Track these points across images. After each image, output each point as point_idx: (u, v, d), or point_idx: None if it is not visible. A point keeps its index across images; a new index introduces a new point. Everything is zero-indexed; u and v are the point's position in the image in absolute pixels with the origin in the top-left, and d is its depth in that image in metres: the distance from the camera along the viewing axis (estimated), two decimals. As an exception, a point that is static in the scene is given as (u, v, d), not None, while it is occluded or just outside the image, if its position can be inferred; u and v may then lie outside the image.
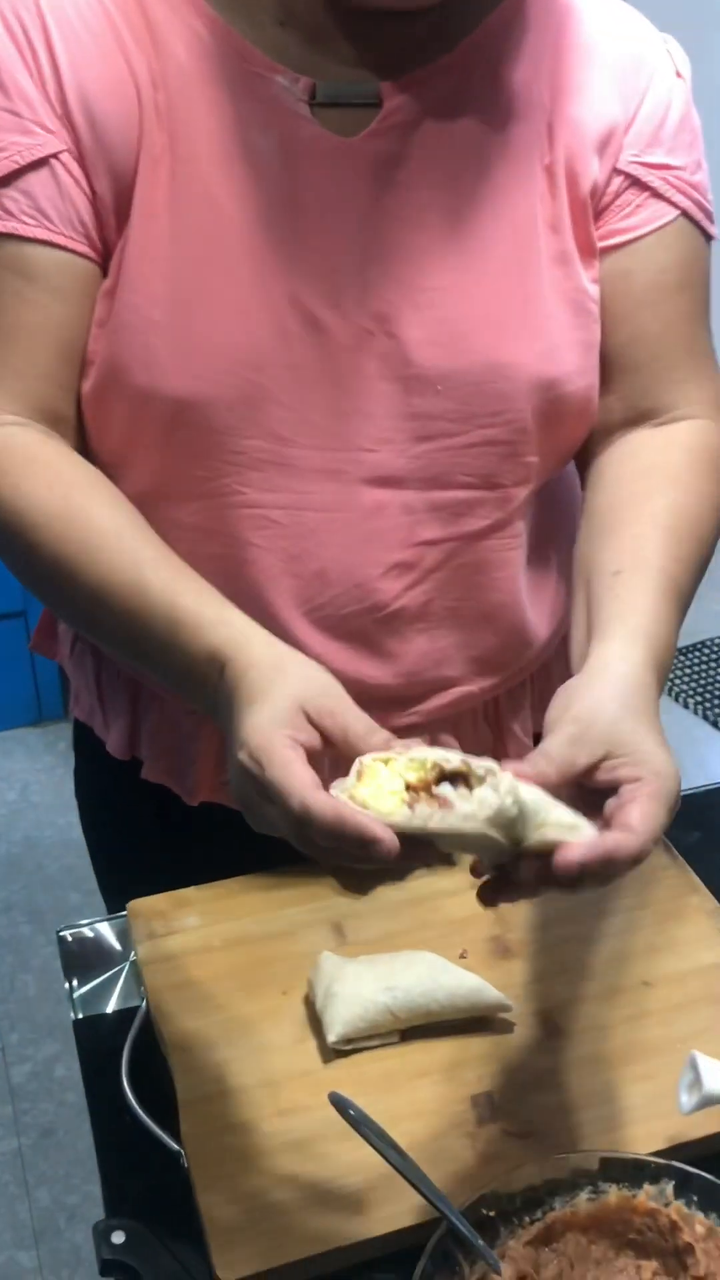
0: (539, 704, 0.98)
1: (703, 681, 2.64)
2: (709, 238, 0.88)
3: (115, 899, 1.11)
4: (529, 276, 0.81)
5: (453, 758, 0.61)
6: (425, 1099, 0.76)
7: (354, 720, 0.65)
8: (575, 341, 0.83)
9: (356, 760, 0.62)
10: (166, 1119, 0.76)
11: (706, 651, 2.73)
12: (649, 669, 0.72)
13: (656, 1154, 0.69)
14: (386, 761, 0.62)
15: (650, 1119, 0.74)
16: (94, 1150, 0.77)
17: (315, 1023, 0.80)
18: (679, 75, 0.86)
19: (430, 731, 0.92)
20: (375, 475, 0.82)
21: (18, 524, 0.76)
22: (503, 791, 0.58)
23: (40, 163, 0.75)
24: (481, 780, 0.60)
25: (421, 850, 0.61)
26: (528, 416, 0.82)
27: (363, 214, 0.79)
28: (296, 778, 0.61)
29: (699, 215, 0.86)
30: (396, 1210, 0.69)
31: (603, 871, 0.61)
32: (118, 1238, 0.68)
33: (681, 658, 2.71)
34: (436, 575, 0.86)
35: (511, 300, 0.81)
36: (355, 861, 0.62)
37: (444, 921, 0.89)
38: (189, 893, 0.91)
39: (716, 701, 2.58)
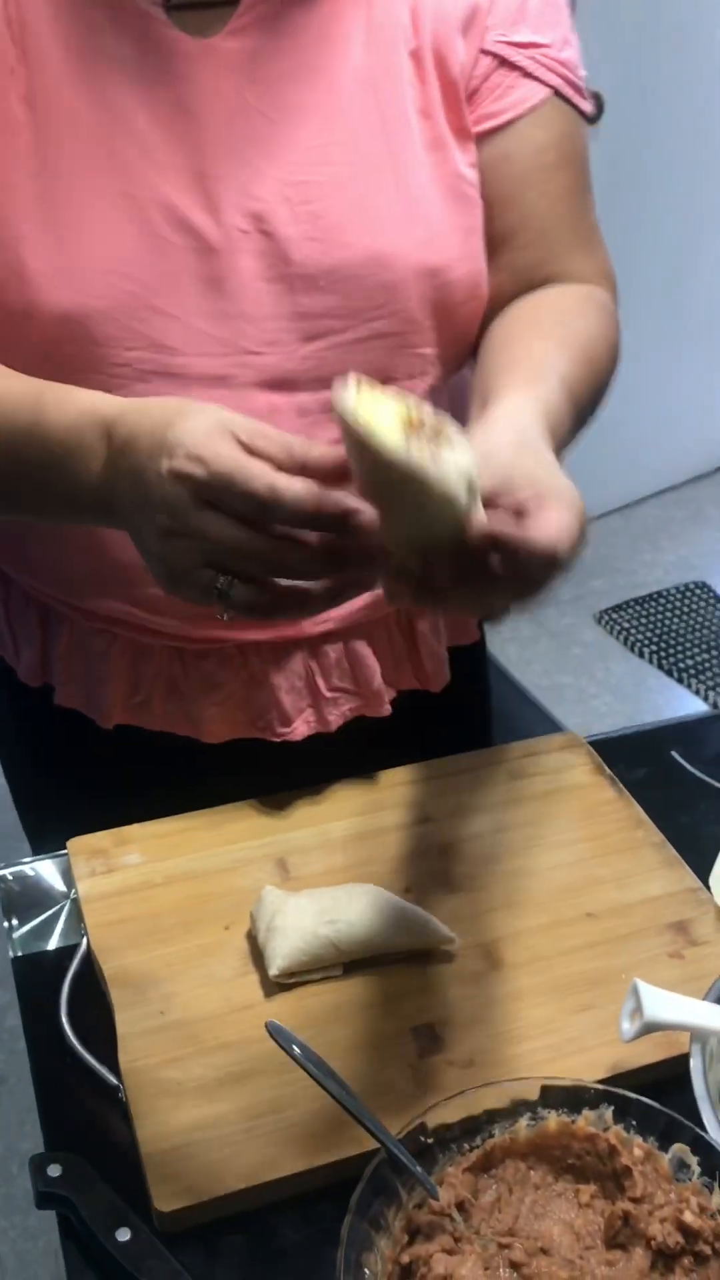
0: (449, 620, 0.99)
1: (657, 631, 2.65)
2: (583, 114, 0.87)
3: (36, 833, 1.10)
4: (402, 165, 0.80)
5: (432, 411, 0.57)
6: (367, 1031, 0.76)
7: (289, 436, 0.59)
8: (455, 227, 0.82)
9: (351, 376, 0.57)
10: (106, 1054, 0.75)
11: (661, 602, 2.74)
12: (542, 422, 0.70)
13: (599, 1082, 0.69)
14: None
15: (592, 1048, 0.74)
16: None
17: (258, 957, 0.80)
18: None
19: (346, 639, 0.92)
20: (266, 378, 0.80)
21: None
22: (459, 442, 0.56)
23: None
24: (451, 444, 0.56)
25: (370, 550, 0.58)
26: (414, 306, 0.81)
27: (228, 113, 0.77)
28: (255, 464, 0.57)
29: (570, 92, 0.85)
30: (336, 1141, 0.68)
31: (517, 555, 0.59)
32: (54, 1170, 0.67)
33: (636, 608, 2.72)
34: None
35: (386, 190, 0.80)
36: (311, 562, 0.59)
37: (389, 857, 0.88)
38: (131, 830, 0.90)
39: (670, 650, 2.59)
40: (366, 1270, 0.58)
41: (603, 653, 2.61)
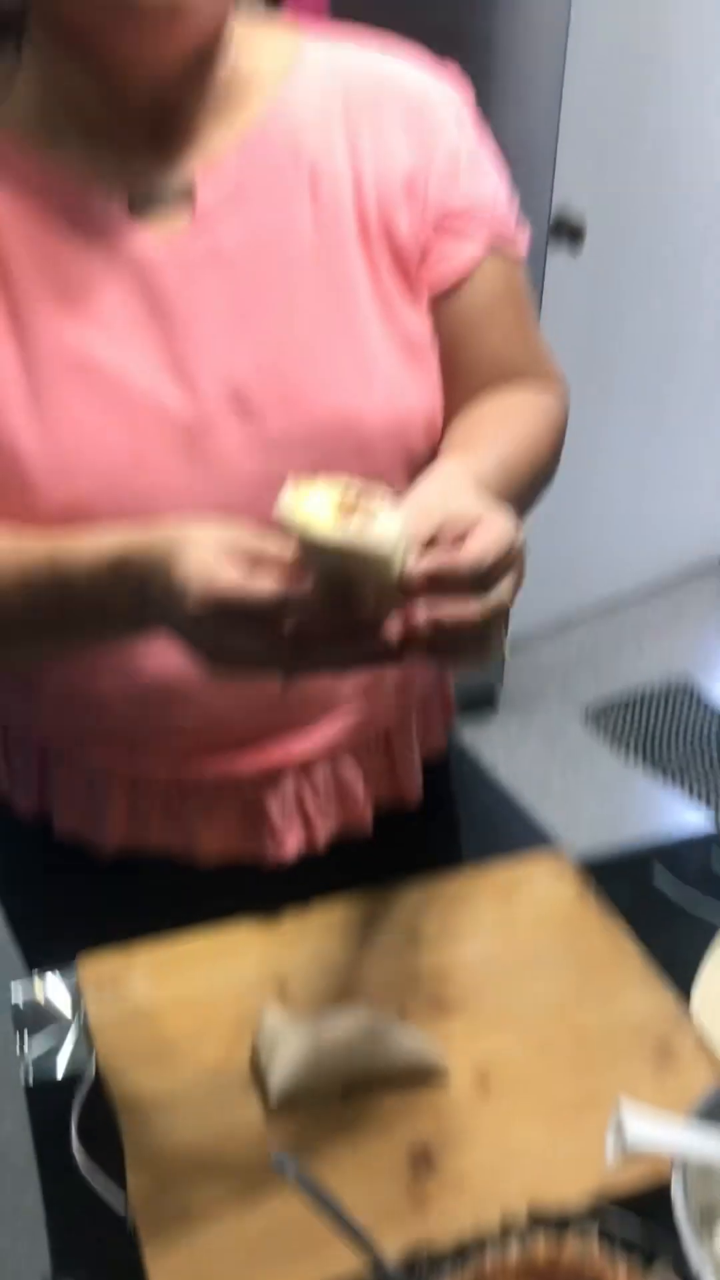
0: (422, 734, 1.06)
1: (643, 731, 2.70)
2: (519, 255, 0.96)
3: (33, 952, 1.13)
4: (358, 330, 0.87)
5: (356, 485, 0.66)
6: (364, 1153, 0.79)
7: (281, 544, 0.68)
8: (411, 380, 0.90)
9: (287, 483, 0.66)
10: (116, 1174, 0.78)
11: (646, 702, 2.80)
12: (470, 474, 0.78)
13: (586, 1204, 0.72)
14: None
15: (580, 1170, 0.78)
16: (39, 1206, 0.79)
17: (259, 1080, 0.83)
18: (459, 121, 0.91)
19: (333, 762, 0.98)
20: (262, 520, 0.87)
21: None
22: (393, 519, 0.65)
23: None
24: (379, 517, 0.65)
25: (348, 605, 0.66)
26: (382, 458, 0.88)
27: (197, 301, 0.84)
28: (257, 583, 0.65)
29: (505, 244, 0.93)
30: (335, 1261, 0.71)
31: (446, 580, 0.66)
32: (65, 1293, 0.70)
33: (622, 708, 2.78)
34: None
35: (346, 355, 0.87)
36: (325, 636, 0.66)
37: (383, 978, 0.93)
38: (137, 951, 0.94)
39: (655, 750, 2.64)
40: None
41: (590, 752, 2.66)
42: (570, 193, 2.48)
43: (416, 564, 0.66)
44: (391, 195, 0.88)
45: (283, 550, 0.67)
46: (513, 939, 0.97)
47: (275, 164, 0.86)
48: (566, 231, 2.53)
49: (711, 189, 2.79)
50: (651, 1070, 0.86)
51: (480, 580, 0.67)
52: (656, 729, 2.71)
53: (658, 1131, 0.73)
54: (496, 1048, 0.87)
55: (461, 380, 0.94)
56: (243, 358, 0.84)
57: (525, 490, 0.90)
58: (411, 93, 0.90)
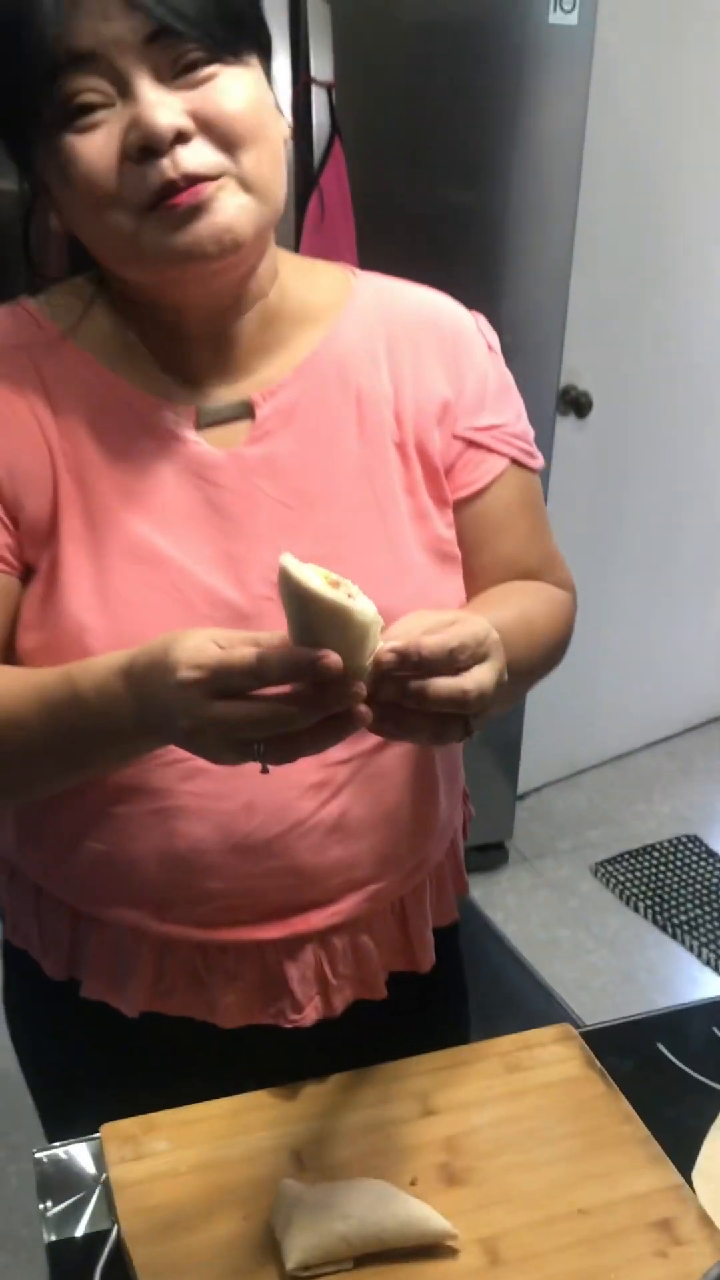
0: (435, 904, 1.11)
1: (651, 885, 2.72)
2: (535, 470, 1.06)
3: (55, 1114, 1.17)
4: (394, 536, 0.97)
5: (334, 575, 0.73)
6: (375, 1326, 0.82)
7: (257, 633, 0.73)
8: (438, 579, 0.99)
9: (286, 555, 0.72)
10: (133, 1344, 0.81)
11: (654, 855, 2.83)
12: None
13: None
14: None
15: (583, 1348, 0.80)
16: None
17: (275, 1247, 0.86)
18: (490, 349, 1.03)
19: (351, 932, 1.03)
20: None
21: None
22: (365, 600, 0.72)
23: None
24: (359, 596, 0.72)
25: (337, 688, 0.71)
26: None
27: (252, 506, 0.93)
28: (238, 651, 0.71)
29: (524, 458, 1.04)
30: None
31: (413, 660, 0.73)
32: None
33: (631, 860, 2.81)
34: (348, 788, 0.98)
35: (382, 556, 0.96)
36: (300, 705, 0.70)
37: (395, 1149, 0.96)
38: (158, 1116, 0.98)
39: (663, 904, 2.66)
40: None
41: (599, 905, 2.68)
42: (578, 367, 2.62)
43: (387, 644, 0.73)
44: (426, 419, 0.98)
45: (254, 639, 0.73)
46: (520, 1112, 1.00)
47: (325, 387, 0.96)
48: (574, 402, 2.66)
49: (713, 366, 2.94)
50: (653, 1248, 0.89)
51: (448, 663, 0.74)
52: (665, 883, 2.73)
53: (659, 1312, 0.76)
54: (503, 1221, 0.90)
55: (479, 579, 1.03)
56: (299, 559, 0.92)
57: (528, 649, 0.97)
58: (446, 329, 1.01)
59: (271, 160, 0.86)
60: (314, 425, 0.95)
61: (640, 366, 2.79)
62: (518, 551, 1.05)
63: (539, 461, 1.07)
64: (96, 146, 0.82)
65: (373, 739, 0.97)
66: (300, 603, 0.71)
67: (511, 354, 2.36)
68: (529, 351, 2.40)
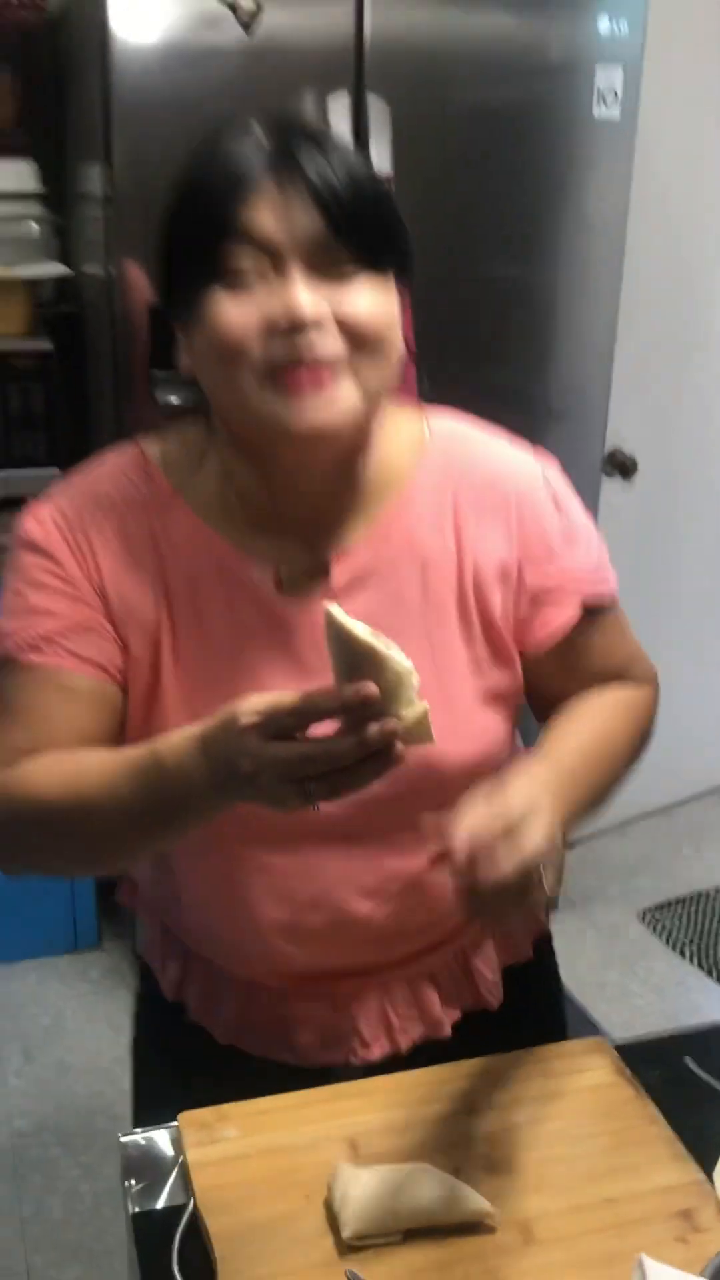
0: (502, 947, 1.24)
1: (697, 931, 2.79)
2: (611, 599, 1.15)
3: (147, 1101, 1.31)
4: (448, 684, 1.07)
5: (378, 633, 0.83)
6: (422, 1290, 0.92)
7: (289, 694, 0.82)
8: (488, 728, 1.10)
9: (330, 603, 0.82)
10: (208, 1300, 0.92)
11: (702, 903, 2.90)
12: (553, 772, 1.00)
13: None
14: None
15: (607, 1314, 0.90)
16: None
17: (333, 1222, 0.97)
18: (555, 499, 1.11)
19: (412, 982, 1.18)
20: (350, 833, 1.08)
21: (43, 794, 0.98)
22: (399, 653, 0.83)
23: (83, 625, 1.03)
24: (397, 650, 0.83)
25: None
26: (451, 789, 0.97)
27: (324, 656, 0.95)
28: (287, 694, 0.81)
29: (593, 598, 1.11)
30: None
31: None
32: None
33: (678, 907, 2.88)
34: (400, 897, 1.12)
35: (439, 707, 1.00)
36: (344, 740, 0.80)
37: (441, 1141, 1.07)
38: (229, 1107, 1.09)
39: (709, 950, 2.73)
40: None
41: (645, 951, 2.76)
42: (624, 431, 2.75)
43: (459, 830, 0.86)
44: (487, 579, 1.07)
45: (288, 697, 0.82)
46: (555, 1112, 1.11)
47: (395, 554, 1.06)
48: (620, 465, 2.78)
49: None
50: (674, 1234, 0.98)
51: (507, 831, 0.86)
52: (711, 929, 2.80)
53: None
54: (538, 1206, 1.00)
55: (567, 692, 1.14)
56: None
57: (609, 765, 1.10)
58: (510, 492, 1.09)
59: (387, 364, 0.98)
60: (382, 586, 1.06)
61: (683, 431, 2.92)
62: (600, 668, 1.15)
63: (610, 587, 1.14)
64: (242, 311, 0.93)
65: (423, 855, 1.10)
66: (341, 645, 0.82)
67: (560, 419, 2.58)
68: (576, 417, 2.54)
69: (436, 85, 2.19)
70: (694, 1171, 1.04)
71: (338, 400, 0.94)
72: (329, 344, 0.93)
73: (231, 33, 2.03)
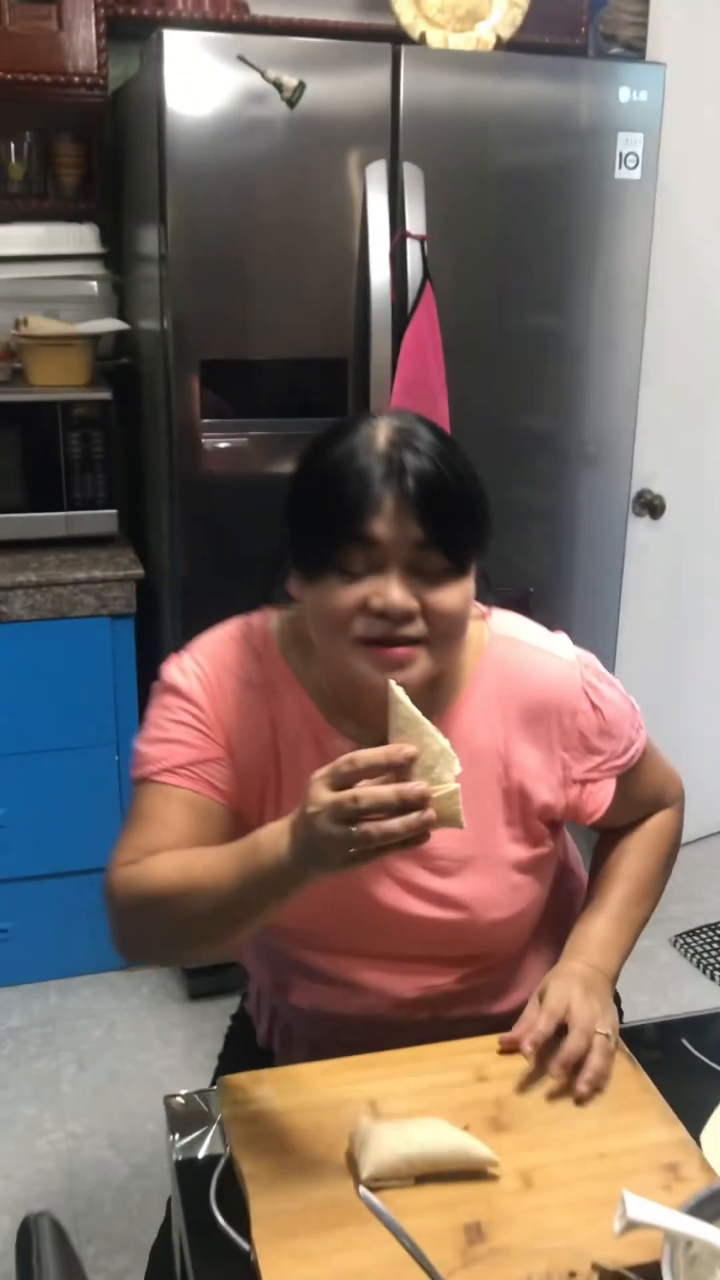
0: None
1: (728, 955, 2.87)
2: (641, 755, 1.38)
3: None
4: (490, 855, 1.31)
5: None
6: (430, 1225, 1.03)
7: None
8: (520, 889, 1.34)
9: (394, 685, 1.03)
10: (241, 1229, 1.04)
11: (732, 928, 2.97)
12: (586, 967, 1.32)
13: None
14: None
15: (595, 1249, 1.01)
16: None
17: (353, 1168, 1.09)
18: (591, 705, 1.31)
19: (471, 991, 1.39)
20: (400, 955, 1.34)
21: (163, 883, 1.16)
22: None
23: (210, 759, 1.27)
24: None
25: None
26: (495, 939, 1.33)
27: None
28: (337, 765, 0.97)
29: (626, 767, 1.35)
30: (404, 1295, 0.96)
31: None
32: (205, 1302, 0.96)
33: (709, 933, 2.96)
34: (431, 1003, 1.36)
35: (480, 867, 1.29)
36: (394, 798, 0.95)
37: (453, 1104, 1.18)
38: (264, 1073, 1.22)
39: (740, 974, 2.80)
40: None
41: (676, 974, 2.83)
42: (652, 473, 2.87)
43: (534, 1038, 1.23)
44: (530, 778, 1.30)
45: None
46: (559, 1083, 1.22)
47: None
48: (648, 505, 2.91)
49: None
50: (660, 1183, 1.09)
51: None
52: (741, 954, 2.87)
53: (652, 1212, 0.97)
54: (538, 1158, 1.11)
55: (617, 824, 1.41)
56: (416, 864, 1.29)
57: (648, 894, 1.41)
58: (553, 700, 1.31)
59: (459, 645, 1.23)
60: None
61: (711, 471, 3.03)
62: (642, 799, 1.42)
63: (639, 747, 1.37)
64: (349, 596, 1.15)
65: (441, 981, 1.36)
66: (397, 717, 1.01)
67: (590, 463, 2.76)
68: (605, 460, 2.67)
69: (467, 151, 2.35)
70: (682, 1132, 1.15)
71: (414, 673, 1.16)
72: (415, 630, 1.16)
73: (276, 107, 2.21)
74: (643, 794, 1.42)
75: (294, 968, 1.39)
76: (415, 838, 0.96)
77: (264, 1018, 1.50)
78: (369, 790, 0.95)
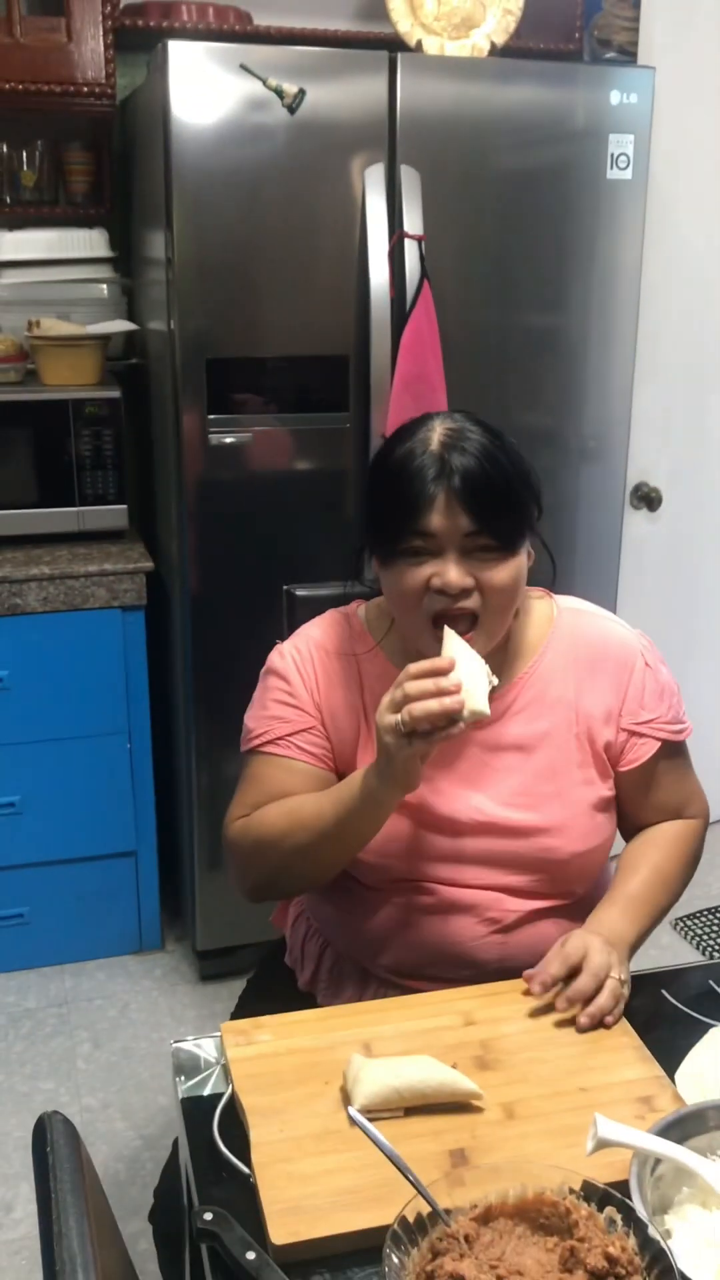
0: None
1: (726, 936, 2.93)
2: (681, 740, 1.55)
3: None
4: (565, 793, 1.48)
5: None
6: (417, 1150, 1.10)
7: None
8: (596, 827, 1.50)
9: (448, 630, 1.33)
10: (242, 1157, 1.11)
11: (730, 910, 3.04)
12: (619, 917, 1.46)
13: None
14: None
15: (572, 1169, 1.08)
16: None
17: (347, 1101, 1.16)
18: (646, 664, 1.51)
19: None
20: (483, 885, 1.49)
21: (272, 829, 1.43)
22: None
23: (303, 729, 1.49)
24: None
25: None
26: (570, 872, 1.49)
27: (476, 766, 1.48)
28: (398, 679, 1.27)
29: (672, 737, 1.53)
30: (392, 1209, 1.02)
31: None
32: (207, 1216, 1.03)
33: (709, 916, 3.02)
34: (514, 931, 1.50)
35: (557, 806, 1.47)
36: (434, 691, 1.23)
37: (441, 1045, 1.25)
38: (264, 1019, 1.29)
39: (738, 954, 2.86)
40: (404, 1274, 0.93)
41: (677, 955, 2.90)
42: (649, 466, 2.95)
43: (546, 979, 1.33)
44: (597, 721, 1.50)
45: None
46: (541, 1025, 1.29)
47: (531, 698, 1.49)
48: (645, 497, 2.98)
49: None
50: (634, 1113, 1.16)
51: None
52: (739, 935, 2.93)
53: (621, 1132, 1.04)
54: (520, 1092, 1.19)
55: (640, 815, 1.56)
56: (501, 801, 1.47)
57: (664, 889, 1.51)
58: (615, 657, 1.51)
59: (508, 616, 1.41)
60: (520, 719, 1.49)
61: (706, 464, 3.10)
62: (667, 798, 1.56)
63: (686, 732, 1.54)
64: (416, 577, 1.37)
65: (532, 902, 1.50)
66: (445, 645, 1.31)
67: (589, 458, 2.85)
68: (603, 454, 2.74)
69: (463, 154, 2.43)
70: (657, 1069, 1.22)
71: (471, 643, 1.34)
72: (470, 603, 1.36)
73: (278, 113, 2.29)
74: (671, 792, 1.55)
75: (381, 899, 1.51)
76: (453, 721, 1.22)
77: (308, 965, 1.63)
78: (414, 684, 1.23)
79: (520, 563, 1.40)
